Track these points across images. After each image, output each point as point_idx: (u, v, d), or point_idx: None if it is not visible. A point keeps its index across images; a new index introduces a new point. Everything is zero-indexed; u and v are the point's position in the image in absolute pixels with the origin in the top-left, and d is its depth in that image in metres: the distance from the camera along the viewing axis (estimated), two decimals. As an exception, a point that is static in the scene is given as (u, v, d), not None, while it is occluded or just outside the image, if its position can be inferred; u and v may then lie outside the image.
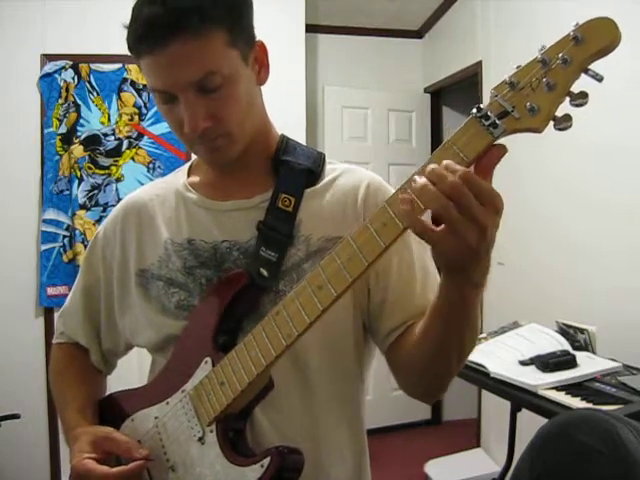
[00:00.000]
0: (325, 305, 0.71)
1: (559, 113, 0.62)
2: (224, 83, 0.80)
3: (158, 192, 1.00)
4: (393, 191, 0.92)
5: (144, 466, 0.85)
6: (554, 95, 0.62)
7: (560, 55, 0.61)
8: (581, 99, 0.61)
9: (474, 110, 0.64)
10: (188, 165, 1.03)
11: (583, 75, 0.62)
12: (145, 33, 0.77)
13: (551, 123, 0.63)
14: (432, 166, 0.63)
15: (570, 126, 0.62)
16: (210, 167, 0.96)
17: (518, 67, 0.64)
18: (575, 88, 0.62)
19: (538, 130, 0.63)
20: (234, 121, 0.84)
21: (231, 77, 0.81)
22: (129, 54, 0.83)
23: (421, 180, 0.63)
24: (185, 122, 0.81)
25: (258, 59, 0.87)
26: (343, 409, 0.93)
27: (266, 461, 0.76)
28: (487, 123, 0.63)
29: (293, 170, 0.92)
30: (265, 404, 0.83)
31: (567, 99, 0.62)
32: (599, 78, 0.61)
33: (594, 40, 0.60)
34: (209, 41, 0.78)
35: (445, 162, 0.63)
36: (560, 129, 0.62)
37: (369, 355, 0.98)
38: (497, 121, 0.63)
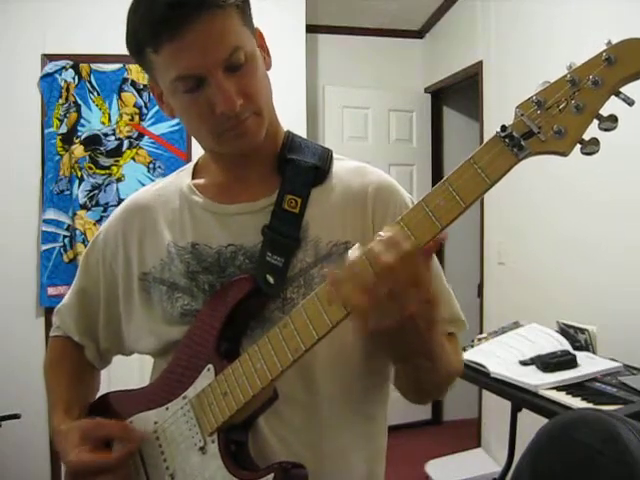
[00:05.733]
0: (334, 322, 0.69)
1: (586, 136, 0.60)
2: (247, 60, 0.80)
3: (161, 193, 0.98)
4: (404, 194, 0.93)
5: (138, 446, 0.86)
6: (582, 118, 0.60)
7: (591, 76, 0.59)
8: (610, 123, 0.59)
9: (498, 129, 0.62)
10: (192, 165, 1.00)
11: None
12: (170, 15, 0.75)
13: (577, 146, 0.60)
14: (371, 246, 0.64)
15: (597, 150, 0.59)
16: (230, 160, 0.92)
17: (544, 83, 0.62)
18: (604, 111, 0.59)
19: (564, 154, 0.61)
20: (262, 98, 0.83)
21: (252, 54, 0.81)
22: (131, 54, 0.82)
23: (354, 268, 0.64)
24: (219, 102, 0.78)
25: (260, 45, 0.87)
26: (352, 419, 0.89)
27: (269, 477, 0.75)
28: (511, 143, 0.61)
29: (299, 168, 0.90)
30: (269, 413, 0.81)
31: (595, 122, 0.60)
32: (630, 102, 0.59)
33: (628, 62, 0.58)
34: (231, 17, 0.78)
35: (390, 237, 0.63)
36: (587, 153, 0.60)
37: (384, 363, 0.92)
38: (522, 142, 0.61)
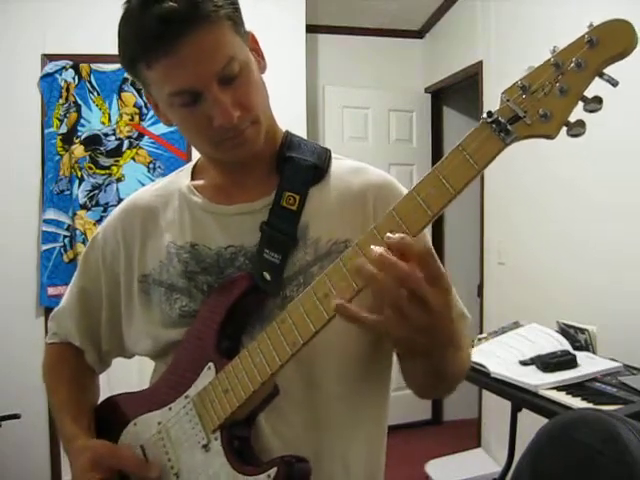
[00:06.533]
0: (331, 314, 0.69)
1: (572, 118, 0.61)
2: (241, 70, 0.80)
3: (160, 193, 0.98)
4: (404, 190, 0.92)
5: None
6: (567, 100, 0.60)
7: (574, 59, 0.60)
8: (595, 104, 0.59)
9: (484, 115, 0.63)
10: (191, 166, 1.00)
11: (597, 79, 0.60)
12: (161, 32, 0.74)
13: (564, 129, 0.61)
14: (380, 251, 0.61)
15: (584, 132, 0.60)
16: (229, 165, 0.92)
17: (530, 68, 0.63)
18: (589, 92, 0.60)
19: (550, 137, 0.62)
20: (259, 106, 0.83)
21: (246, 63, 0.81)
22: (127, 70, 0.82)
23: (368, 268, 0.62)
24: (217, 115, 0.78)
25: (254, 48, 0.87)
26: (352, 417, 0.89)
27: (273, 471, 0.75)
28: (498, 128, 0.62)
29: (298, 167, 0.90)
30: (269, 410, 0.81)
31: (581, 104, 0.60)
32: (614, 82, 0.59)
33: (609, 44, 0.58)
34: (222, 28, 0.78)
35: (399, 240, 0.61)
36: (573, 135, 0.61)
37: (387, 358, 0.92)
38: (509, 127, 0.62)
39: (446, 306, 0.63)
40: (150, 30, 0.75)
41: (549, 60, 0.62)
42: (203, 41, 0.76)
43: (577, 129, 0.61)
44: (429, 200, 0.65)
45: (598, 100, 0.59)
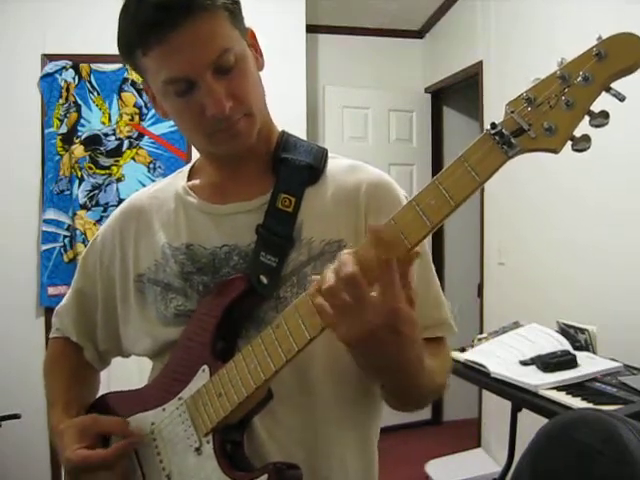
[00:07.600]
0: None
1: (577, 133, 0.59)
2: (237, 62, 0.80)
3: (157, 195, 0.99)
4: (399, 191, 0.92)
5: (136, 442, 0.87)
6: (573, 114, 0.59)
7: (581, 72, 0.58)
8: (602, 119, 0.58)
9: (488, 126, 0.62)
10: (189, 167, 1.01)
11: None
12: (157, 19, 0.75)
13: (569, 143, 0.60)
14: (347, 268, 0.64)
15: (589, 147, 0.59)
16: (224, 160, 0.92)
17: (535, 80, 0.61)
18: (595, 107, 0.59)
19: (555, 151, 0.60)
20: (252, 99, 0.83)
21: (242, 56, 0.81)
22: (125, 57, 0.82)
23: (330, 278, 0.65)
24: (209, 105, 0.79)
25: (252, 45, 0.87)
26: (346, 421, 0.89)
27: (264, 477, 0.75)
28: (501, 141, 0.61)
29: (293, 168, 0.90)
30: (264, 414, 0.81)
31: (586, 118, 0.59)
32: (621, 97, 0.58)
33: (618, 57, 0.57)
34: (219, 19, 0.78)
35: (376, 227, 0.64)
36: (578, 150, 0.59)
37: None
38: (512, 140, 0.60)
39: (385, 327, 0.64)
40: (147, 18, 0.75)
41: (555, 72, 0.60)
42: (199, 30, 0.76)
43: (582, 144, 0.59)
44: (428, 211, 0.64)
45: (605, 115, 0.58)
